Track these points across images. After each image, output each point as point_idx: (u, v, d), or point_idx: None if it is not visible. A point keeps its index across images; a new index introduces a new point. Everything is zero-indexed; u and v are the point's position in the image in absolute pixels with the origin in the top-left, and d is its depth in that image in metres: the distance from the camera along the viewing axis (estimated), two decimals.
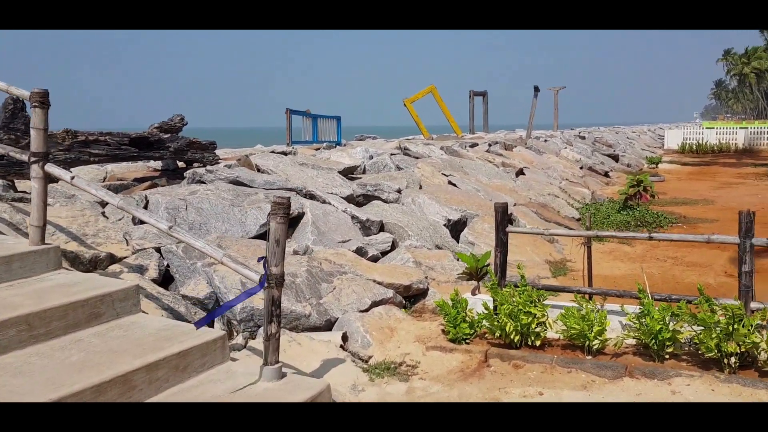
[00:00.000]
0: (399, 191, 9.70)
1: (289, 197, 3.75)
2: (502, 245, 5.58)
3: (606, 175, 21.78)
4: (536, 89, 22.28)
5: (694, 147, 35.54)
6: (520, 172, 15.78)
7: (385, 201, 8.96)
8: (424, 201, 9.21)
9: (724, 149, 35.32)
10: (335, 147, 13.96)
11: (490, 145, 18.33)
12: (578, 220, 12.38)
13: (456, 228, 9.07)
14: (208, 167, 7.83)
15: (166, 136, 7.82)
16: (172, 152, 7.88)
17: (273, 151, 11.90)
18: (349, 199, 8.57)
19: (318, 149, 13.17)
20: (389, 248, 7.72)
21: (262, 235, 6.86)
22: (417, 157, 13.59)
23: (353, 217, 7.78)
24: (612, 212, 12.64)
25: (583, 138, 29.18)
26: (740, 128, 36.67)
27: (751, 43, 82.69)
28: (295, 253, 6.58)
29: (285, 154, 11.98)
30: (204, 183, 7.78)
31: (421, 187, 10.71)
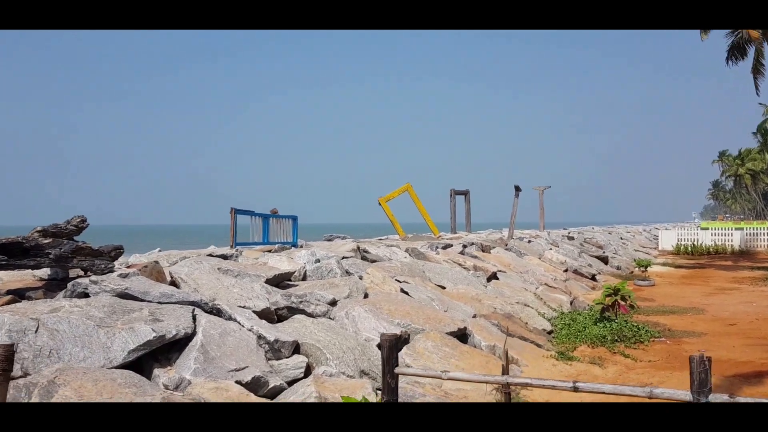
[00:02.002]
0: (333, 302, 8.52)
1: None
2: (389, 392, 4.36)
3: (593, 278, 20.60)
4: (517, 189, 21.48)
5: (689, 248, 34.52)
6: (492, 277, 14.61)
7: (310, 315, 7.76)
8: (359, 314, 8.01)
9: (720, 251, 34.24)
10: (290, 248, 12.89)
11: (464, 246, 17.26)
12: (550, 332, 11.10)
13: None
14: (92, 277, 6.70)
15: (46, 241, 6.74)
16: (53, 260, 6.77)
17: (211, 255, 10.82)
18: (265, 313, 7.38)
19: (269, 251, 12.09)
20: (302, 374, 6.47)
21: (133, 364, 5.65)
22: (374, 261, 12.49)
23: (260, 337, 6.57)
24: (588, 324, 11.36)
25: (572, 238, 28.18)
26: (736, 229, 35.73)
27: (745, 145, 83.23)
28: (165, 388, 5.34)
29: (225, 257, 10.90)
30: (88, 296, 6.64)
31: (366, 296, 9.54)
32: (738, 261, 29.97)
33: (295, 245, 13.72)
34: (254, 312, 7.22)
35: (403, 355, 7.49)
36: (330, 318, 7.96)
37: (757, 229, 36.16)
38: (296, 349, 6.84)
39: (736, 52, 29.90)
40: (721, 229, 36.17)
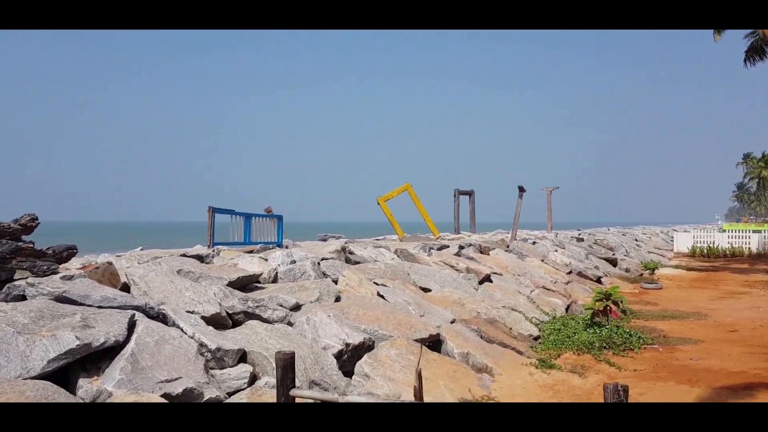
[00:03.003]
0: (297, 307, 8.14)
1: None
2: None
3: (598, 281, 19.98)
4: (521, 189, 20.92)
5: (705, 251, 33.62)
6: (486, 279, 14.13)
7: (266, 320, 7.37)
8: (321, 320, 7.60)
9: (737, 254, 33.29)
10: (273, 248, 12.53)
11: (462, 247, 16.78)
12: (537, 338, 10.61)
13: (358, 354, 7.41)
14: (30, 279, 6.38)
15: None
16: None
17: (185, 254, 10.50)
18: (216, 318, 7.01)
19: (250, 251, 11.74)
20: (245, 385, 6.09)
21: (57, 374, 5.30)
22: (358, 262, 12.08)
23: (201, 344, 6.19)
24: (579, 329, 10.85)
25: (581, 240, 27.50)
26: (753, 231, 34.71)
27: None
28: (82, 401, 4.99)
29: (201, 258, 10.58)
30: (25, 299, 6.32)
31: (338, 300, 9.15)
32: (754, 264, 29.05)
33: (280, 245, 13.36)
34: (203, 317, 6.86)
35: (363, 364, 7.07)
36: (290, 323, 7.57)
37: None
38: (243, 357, 6.46)
39: (754, 54, 29.07)
40: (739, 231, 35.17)
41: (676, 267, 27.48)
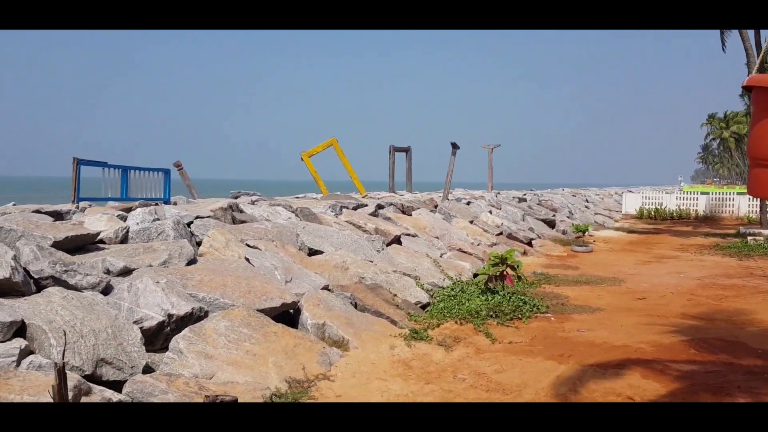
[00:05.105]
0: (127, 271, 7.23)
1: None
2: None
3: (529, 243, 19.34)
4: (454, 146, 20.05)
5: (653, 213, 33.34)
6: (395, 241, 13.33)
7: (74, 287, 6.43)
8: (146, 287, 6.67)
9: (684, 216, 33.07)
10: (156, 205, 11.51)
11: (381, 207, 15.92)
12: (426, 305, 9.85)
13: (186, 327, 6.52)
14: None
15: None
16: None
17: (39, 210, 9.45)
18: (5, 285, 6.04)
19: (128, 209, 10.70)
20: (14, 364, 5.17)
21: None
22: (244, 221, 11.14)
23: None
24: (474, 296, 10.12)
25: (524, 200, 26.88)
26: (701, 193, 34.49)
27: (736, 108, 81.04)
28: None
29: (59, 214, 9.56)
30: None
31: (193, 263, 8.24)
32: (698, 227, 28.82)
33: (167, 201, 12.34)
34: None
35: (179, 338, 6.19)
36: (105, 291, 6.64)
37: (723, 194, 34.96)
38: (23, 331, 5.53)
39: None
40: (688, 193, 34.90)
41: (618, 229, 27.10)
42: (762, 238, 20.15)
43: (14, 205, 11.71)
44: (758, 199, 29.81)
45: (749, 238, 20.52)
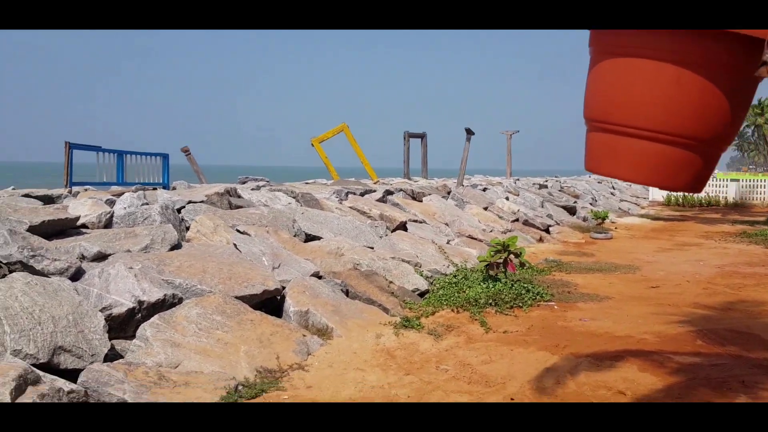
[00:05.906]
0: (102, 256, 7.00)
1: None
2: None
3: (546, 230, 18.80)
4: (469, 132, 19.56)
5: (680, 200, 32.40)
6: (400, 227, 12.98)
7: (40, 272, 6.21)
8: (118, 273, 6.42)
9: (713, 203, 32.07)
10: (153, 190, 11.32)
11: (390, 193, 15.56)
12: (424, 293, 9.49)
13: (158, 312, 6.27)
14: None
15: None
16: None
17: (28, 195, 9.34)
18: None
19: (122, 194, 10.53)
20: None
21: None
22: (240, 206, 10.87)
23: None
24: (475, 283, 9.72)
25: (545, 187, 26.25)
26: (731, 180, 33.39)
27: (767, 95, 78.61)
28: None
29: (52, 199, 9.42)
30: None
31: (176, 248, 7.99)
32: (727, 214, 27.89)
33: (166, 186, 12.14)
34: None
35: (147, 326, 5.93)
36: (74, 277, 6.41)
37: (754, 180, 33.80)
38: None
39: None
40: (717, 179, 33.83)
41: (642, 216, 26.36)
42: None
43: (13, 189, 11.65)
44: None
45: None
